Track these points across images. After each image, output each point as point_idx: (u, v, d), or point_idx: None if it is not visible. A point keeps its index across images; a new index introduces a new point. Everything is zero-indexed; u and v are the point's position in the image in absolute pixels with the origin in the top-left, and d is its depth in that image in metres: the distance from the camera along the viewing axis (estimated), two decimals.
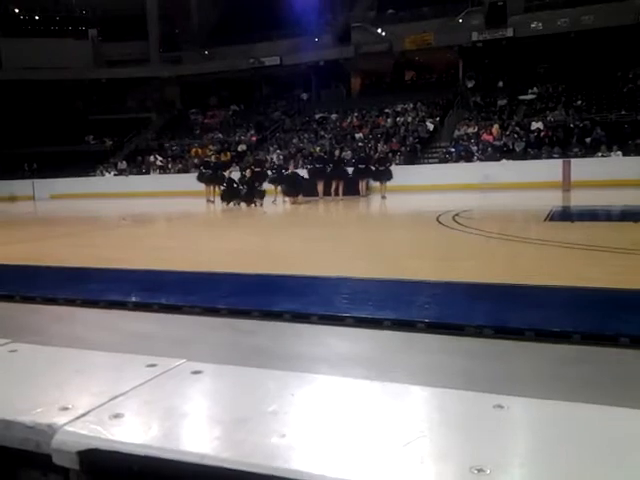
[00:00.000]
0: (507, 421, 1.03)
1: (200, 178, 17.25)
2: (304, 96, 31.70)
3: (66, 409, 1.08)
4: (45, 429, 1.01)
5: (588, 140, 20.05)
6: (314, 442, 0.95)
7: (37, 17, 35.20)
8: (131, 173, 27.00)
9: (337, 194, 15.89)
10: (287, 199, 15.53)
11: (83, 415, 1.06)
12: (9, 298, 4.14)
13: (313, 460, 0.90)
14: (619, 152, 18.76)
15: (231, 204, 14.68)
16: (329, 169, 16.44)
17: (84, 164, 27.45)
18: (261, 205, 14.42)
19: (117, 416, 1.06)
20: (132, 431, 1.02)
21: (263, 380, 1.24)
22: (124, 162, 28.56)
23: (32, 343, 1.66)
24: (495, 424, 1.00)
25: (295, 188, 15.46)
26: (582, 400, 1.14)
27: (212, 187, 16.77)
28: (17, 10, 35.17)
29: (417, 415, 1.06)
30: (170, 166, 26.96)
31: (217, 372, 1.31)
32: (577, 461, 0.88)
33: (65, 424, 1.02)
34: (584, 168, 17.09)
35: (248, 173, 15.11)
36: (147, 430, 1.02)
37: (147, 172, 26.92)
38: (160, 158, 27.63)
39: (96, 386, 1.21)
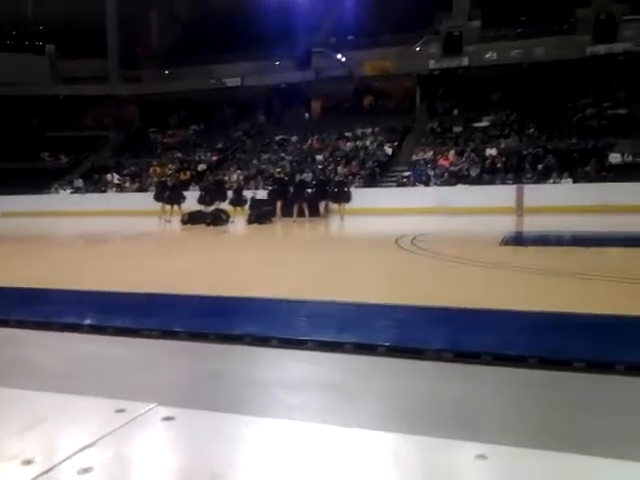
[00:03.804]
0: (491, 473, 0.98)
1: (158, 197, 16.99)
2: (264, 118, 31.82)
3: (29, 463, 1.02)
4: None
5: (540, 167, 20.72)
6: None
7: None
8: (87, 191, 26.40)
9: (300, 216, 15.91)
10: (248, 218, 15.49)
11: (49, 470, 1.00)
12: None
13: None
14: (569, 179, 19.45)
15: (188, 224, 14.56)
16: (289, 191, 16.51)
17: (39, 181, 26.69)
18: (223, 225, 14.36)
19: (86, 470, 1.01)
20: None
21: (236, 427, 1.20)
22: (80, 180, 27.92)
23: None
24: (478, 477, 0.96)
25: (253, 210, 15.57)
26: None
27: (170, 206, 16.57)
28: None
29: (396, 465, 1.03)
30: (128, 185, 26.53)
31: (189, 418, 1.25)
32: None
33: None
34: (536, 194, 17.63)
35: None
36: None
37: (104, 190, 26.40)
38: (117, 176, 27.17)
39: (62, 435, 1.14)
